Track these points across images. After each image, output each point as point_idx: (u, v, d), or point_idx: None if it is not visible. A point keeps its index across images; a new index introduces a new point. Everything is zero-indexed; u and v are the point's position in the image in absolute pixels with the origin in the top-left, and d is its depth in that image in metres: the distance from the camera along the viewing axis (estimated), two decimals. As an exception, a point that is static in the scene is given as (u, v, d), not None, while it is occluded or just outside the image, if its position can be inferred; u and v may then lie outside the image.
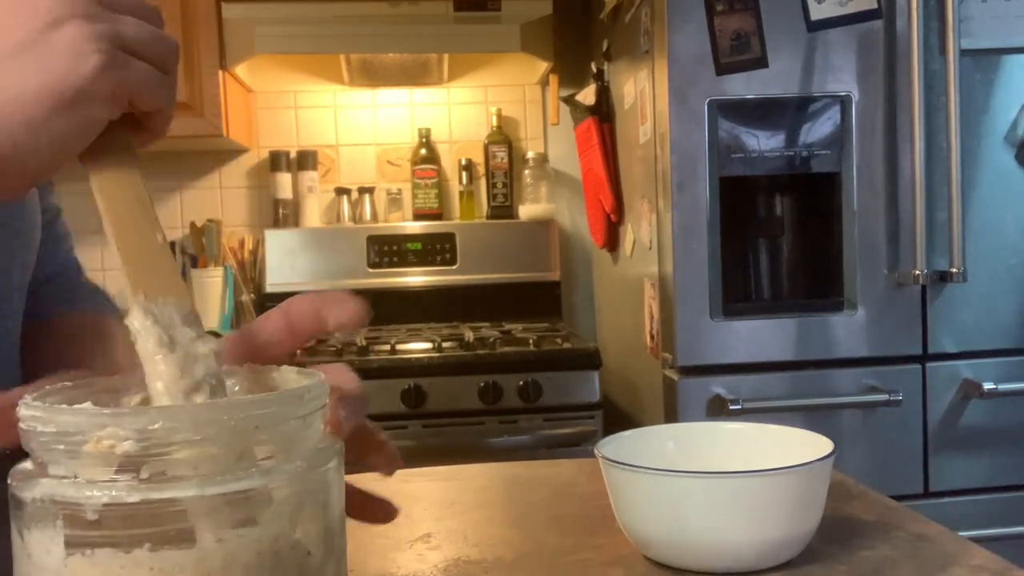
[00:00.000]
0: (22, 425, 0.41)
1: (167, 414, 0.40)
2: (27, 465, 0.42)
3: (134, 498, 0.38)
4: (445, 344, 2.13)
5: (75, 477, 0.39)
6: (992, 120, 1.79)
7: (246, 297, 2.53)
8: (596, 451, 0.70)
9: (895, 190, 1.77)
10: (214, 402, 0.45)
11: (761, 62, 1.73)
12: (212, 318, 2.46)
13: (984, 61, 1.78)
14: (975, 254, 1.76)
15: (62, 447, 0.39)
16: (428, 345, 2.14)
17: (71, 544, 0.39)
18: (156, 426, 0.39)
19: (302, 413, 0.43)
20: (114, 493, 0.38)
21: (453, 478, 0.96)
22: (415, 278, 2.60)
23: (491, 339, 2.16)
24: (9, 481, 0.41)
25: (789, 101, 1.75)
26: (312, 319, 0.53)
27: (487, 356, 2.07)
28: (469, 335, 2.19)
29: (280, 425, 0.42)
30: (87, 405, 0.44)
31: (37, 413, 0.40)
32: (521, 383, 2.02)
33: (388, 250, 2.59)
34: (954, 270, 1.73)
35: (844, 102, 1.76)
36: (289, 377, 0.49)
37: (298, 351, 0.55)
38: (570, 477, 0.93)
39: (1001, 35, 1.77)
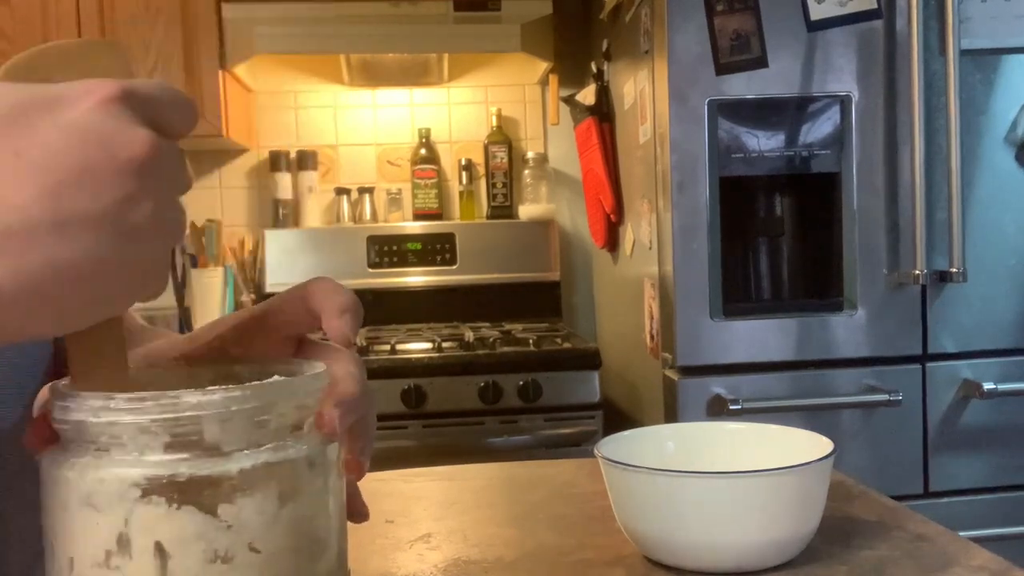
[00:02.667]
0: (78, 416, 0.42)
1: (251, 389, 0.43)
2: (69, 452, 0.43)
3: (194, 471, 0.41)
4: (445, 344, 2.13)
5: (137, 455, 0.41)
6: (992, 120, 1.78)
7: (246, 297, 2.53)
8: (596, 451, 0.70)
9: (895, 190, 1.77)
10: (285, 380, 0.48)
11: (761, 62, 1.73)
12: (212, 318, 2.45)
13: (984, 61, 1.77)
14: (975, 254, 1.76)
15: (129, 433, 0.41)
16: (428, 345, 2.13)
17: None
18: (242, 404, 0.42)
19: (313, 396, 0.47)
20: (174, 469, 0.41)
21: (453, 478, 0.96)
22: (415, 278, 2.60)
23: (491, 339, 2.16)
24: (56, 468, 0.42)
25: (789, 101, 1.75)
26: (318, 312, 0.53)
27: (487, 356, 2.07)
28: (469, 335, 2.19)
29: (307, 401, 0.46)
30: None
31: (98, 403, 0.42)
32: (521, 383, 2.02)
33: (388, 250, 2.59)
34: (954, 270, 1.73)
35: (844, 102, 1.76)
36: (298, 368, 0.50)
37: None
38: (570, 477, 0.93)
39: (1001, 35, 1.77)
